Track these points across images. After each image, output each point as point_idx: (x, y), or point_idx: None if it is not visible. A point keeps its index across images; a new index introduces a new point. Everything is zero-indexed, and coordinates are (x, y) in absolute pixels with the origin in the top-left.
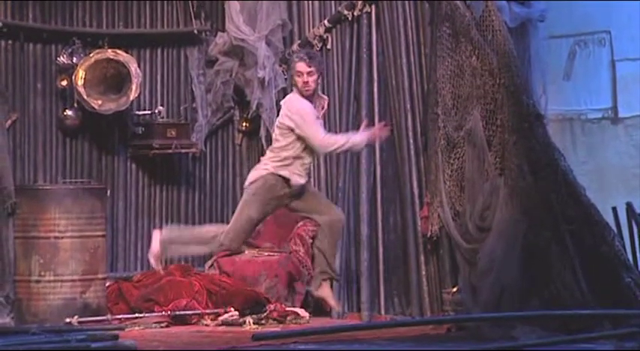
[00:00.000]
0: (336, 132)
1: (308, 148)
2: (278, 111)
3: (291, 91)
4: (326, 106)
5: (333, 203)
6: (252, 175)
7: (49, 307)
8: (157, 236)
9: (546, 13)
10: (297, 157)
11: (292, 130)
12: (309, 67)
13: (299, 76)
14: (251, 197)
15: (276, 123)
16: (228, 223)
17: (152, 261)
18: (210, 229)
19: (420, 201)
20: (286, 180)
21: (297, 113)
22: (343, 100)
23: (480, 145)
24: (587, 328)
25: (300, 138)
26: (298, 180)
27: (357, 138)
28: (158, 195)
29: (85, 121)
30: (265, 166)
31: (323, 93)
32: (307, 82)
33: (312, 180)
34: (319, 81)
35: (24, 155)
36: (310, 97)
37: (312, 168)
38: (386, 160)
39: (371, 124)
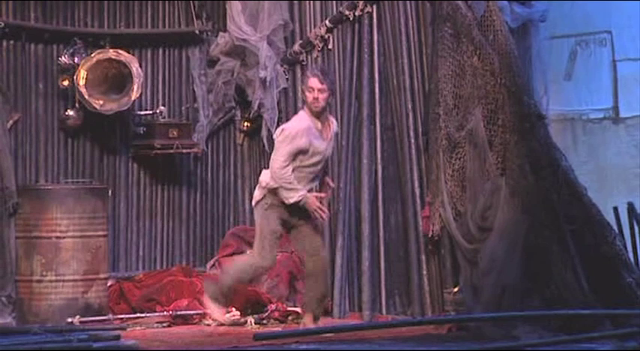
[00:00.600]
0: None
1: (308, 165)
2: (279, 111)
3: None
4: (333, 131)
5: (322, 245)
6: (258, 194)
7: (50, 307)
8: (207, 301)
9: (547, 13)
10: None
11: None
12: (322, 84)
13: (310, 91)
14: (264, 212)
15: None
16: (228, 223)
17: (219, 319)
18: (242, 261)
19: (421, 201)
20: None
21: (281, 128)
22: (344, 100)
23: (481, 145)
24: (588, 328)
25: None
26: (291, 199)
27: (307, 199)
28: (160, 195)
29: (86, 121)
30: (266, 182)
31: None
32: (317, 99)
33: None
34: (330, 100)
35: (26, 155)
36: (319, 114)
37: None
38: (387, 159)
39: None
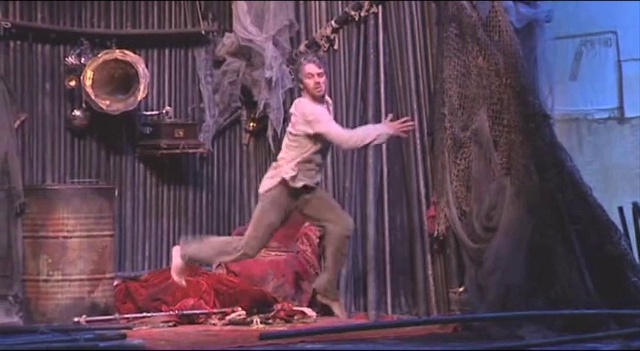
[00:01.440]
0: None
1: (319, 151)
2: (285, 111)
3: (299, 94)
4: (331, 110)
5: (343, 211)
6: (266, 183)
7: (57, 306)
8: (177, 252)
9: (552, 13)
10: (307, 161)
11: (308, 134)
12: (320, 68)
13: (310, 77)
14: (269, 204)
15: (289, 129)
16: (234, 222)
17: (175, 277)
18: (227, 241)
19: (426, 201)
20: (297, 184)
21: (313, 114)
22: (350, 100)
23: (486, 145)
24: (593, 328)
25: (313, 140)
26: (308, 182)
27: (382, 129)
28: (166, 195)
29: (93, 121)
30: (277, 172)
31: (330, 94)
32: (319, 83)
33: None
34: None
35: (32, 155)
36: (321, 99)
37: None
38: (393, 159)
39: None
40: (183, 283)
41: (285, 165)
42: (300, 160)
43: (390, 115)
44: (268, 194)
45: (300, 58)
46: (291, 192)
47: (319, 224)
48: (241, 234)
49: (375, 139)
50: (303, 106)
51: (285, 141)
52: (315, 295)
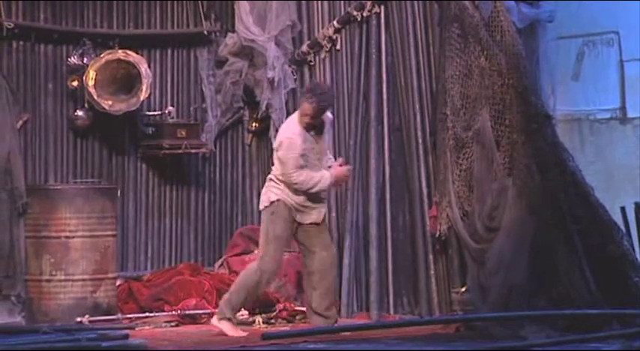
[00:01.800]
0: (346, 133)
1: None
2: (287, 111)
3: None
4: (329, 126)
5: (331, 244)
6: (265, 198)
7: (59, 306)
8: (215, 320)
9: (555, 13)
10: (293, 193)
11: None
12: (322, 113)
13: (305, 114)
14: (271, 217)
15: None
16: (236, 222)
17: (233, 334)
18: (246, 274)
19: (428, 201)
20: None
21: (278, 142)
22: (352, 100)
23: (488, 145)
24: (595, 328)
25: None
26: (301, 220)
27: (326, 180)
28: (168, 195)
29: (95, 121)
30: (274, 188)
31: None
32: (310, 124)
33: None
34: (327, 110)
35: (35, 155)
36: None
37: None
38: (395, 160)
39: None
40: (241, 333)
41: (284, 186)
42: (286, 182)
43: (340, 160)
44: (268, 209)
45: (307, 92)
46: (289, 205)
47: (306, 251)
48: (244, 234)
49: (324, 185)
50: (282, 130)
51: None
52: None
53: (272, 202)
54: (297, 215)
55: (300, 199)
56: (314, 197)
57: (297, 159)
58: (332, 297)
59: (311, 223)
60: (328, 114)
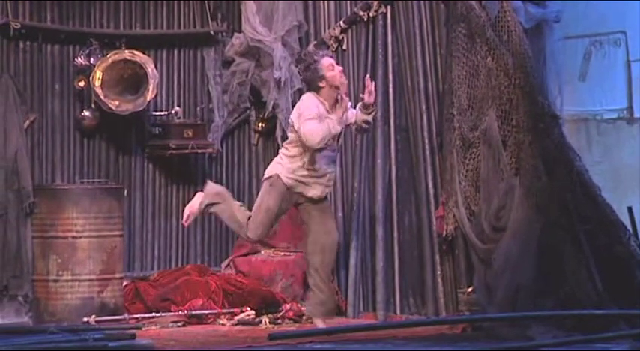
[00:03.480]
0: (352, 132)
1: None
2: None
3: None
4: (347, 107)
5: (334, 227)
6: (269, 170)
7: (66, 306)
8: (199, 195)
9: (561, 13)
10: (304, 165)
11: (295, 129)
12: (332, 57)
13: (332, 69)
14: (268, 188)
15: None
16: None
17: (186, 212)
18: (244, 215)
19: (435, 201)
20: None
21: (297, 109)
22: (358, 100)
23: (495, 145)
24: (602, 328)
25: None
26: (304, 192)
27: (333, 120)
28: (175, 195)
29: (102, 121)
30: (279, 163)
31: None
32: (342, 71)
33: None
34: None
35: (42, 155)
36: (338, 92)
37: None
38: (401, 160)
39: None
40: (185, 224)
41: (286, 162)
42: (299, 166)
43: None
44: (267, 181)
45: (310, 56)
46: (288, 184)
47: (308, 230)
48: None
49: (333, 129)
50: (302, 99)
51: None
52: None
53: (271, 176)
54: (299, 188)
55: (303, 172)
56: (316, 171)
57: (311, 113)
58: (329, 272)
59: (312, 199)
60: (346, 99)
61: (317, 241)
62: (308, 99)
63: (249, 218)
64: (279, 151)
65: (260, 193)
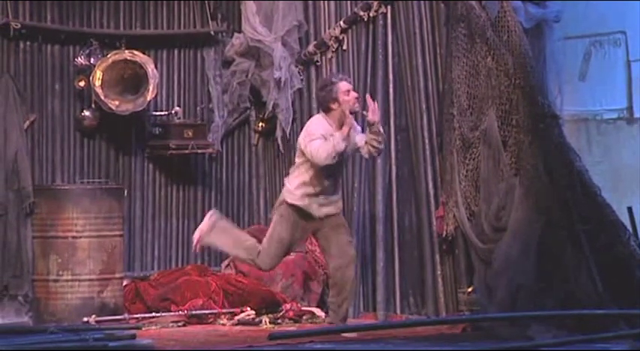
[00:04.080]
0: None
1: (321, 175)
2: (294, 111)
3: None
4: (357, 130)
5: (350, 245)
6: (280, 198)
7: (66, 306)
8: (209, 216)
9: (562, 13)
10: (311, 185)
11: (303, 152)
12: (351, 83)
13: (347, 94)
14: (279, 219)
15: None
16: (243, 222)
17: (196, 235)
18: (251, 241)
19: (435, 201)
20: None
21: (305, 130)
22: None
23: (495, 145)
24: (602, 328)
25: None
26: (314, 212)
27: (337, 136)
28: (175, 195)
29: (102, 121)
30: (285, 191)
31: None
32: (358, 98)
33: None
34: None
35: (42, 155)
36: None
37: None
38: (401, 160)
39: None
40: (197, 248)
41: (292, 186)
42: (303, 182)
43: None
44: (279, 209)
45: (329, 77)
46: (298, 211)
47: (324, 252)
48: (251, 234)
49: (336, 145)
50: (310, 122)
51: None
52: (323, 295)
53: (280, 205)
54: (308, 208)
55: (309, 190)
56: (326, 190)
57: (316, 134)
58: (346, 294)
59: (327, 216)
60: (355, 124)
61: (337, 269)
62: (315, 122)
63: (259, 252)
64: (285, 180)
65: (271, 225)
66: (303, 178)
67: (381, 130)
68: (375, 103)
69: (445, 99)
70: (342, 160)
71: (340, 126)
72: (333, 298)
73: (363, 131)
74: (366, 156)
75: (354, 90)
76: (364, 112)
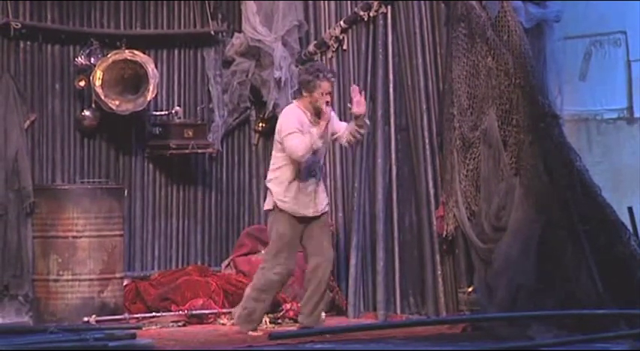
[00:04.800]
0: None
1: (300, 169)
2: None
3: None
4: (330, 116)
5: (329, 246)
6: (265, 204)
7: (67, 306)
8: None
9: (562, 13)
10: (292, 180)
11: (281, 144)
12: (332, 88)
13: (322, 96)
14: (272, 219)
15: (275, 137)
16: (243, 222)
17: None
18: (257, 278)
19: (435, 201)
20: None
21: (280, 123)
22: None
23: (495, 145)
24: (602, 328)
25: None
26: (302, 212)
27: (314, 132)
28: (175, 194)
29: (102, 121)
30: (270, 193)
31: (339, 94)
32: (329, 103)
33: (328, 182)
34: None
35: (42, 155)
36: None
37: (328, 168)
38: (402, 159)
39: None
40: (258, 333)
41: (275, 188)
42: (287, 181)
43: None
44: (270, 214)
45: (320, 66)
46: (285, 207)
47: (305, 251)
48: (251, 234)
49: (314, 141)
50: (283, 113)
51: (273, 152)
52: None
53: (269, 209)
54: (295, 209)
55: (291, 193)
56: (306, 187)
57: (291, 127)
58: (315, 303)
59: (312, 217)
60: (329, 110)
61: (314, 265)
62: (287, 114)
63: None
64: (266, 182)
65: (269, 226)
66: (285, 176)
67: (367, 122)
68: (362, 94)
69: (445, 99)
70: (322, 152)
71: (315, 113)
72: (304, 300)
73: (344, 120)
74: (345, 145)
75: (331, 93)
76: (349, 105)
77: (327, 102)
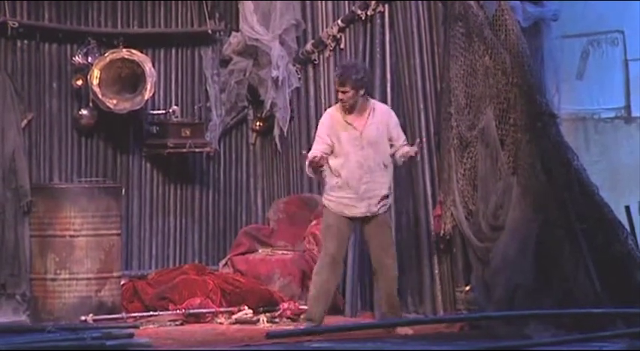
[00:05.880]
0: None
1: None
2: (291, 110)
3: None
4: (380, 114)
5: (390, 250)
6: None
7: (64, 305)
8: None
9: (559, 12)
10: (333, 181)
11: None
12: (342, 85)
13: (338, 93)
14: (324, 215)
15: None
16: (241, 221)
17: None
18: (315, 275)
19: (433, 200)
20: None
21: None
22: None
23: (492, 144)
24: (600, 327)
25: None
26: (347, 213)
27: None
28: (172, 193)
29: (100, 120)
30: (324, 193)
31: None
32: (342, 99)
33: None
34: (361, 93)
35: (40, 154)
36: (350, 111)
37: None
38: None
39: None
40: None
41: (326, 184)
42: (332, 181)
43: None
44: (324, 210)
45: (363, 65)
46: (333, 206)
47: (368, 250)
48: (248, 233)
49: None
50: (322, 118)
51: None
52: None
53: (322, 206)
54: (345, 210)
55: (339, 192)
56: (355, 189)
57: (319, 139)
58: (391, 299)
59: (362, 217)
60: (381, 104)
61: (377, 262)
62: (322, 119)
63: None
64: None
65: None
66: (331, 180)
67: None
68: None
69: (443, 98)
70: (368, 148)
71: (347, 111)
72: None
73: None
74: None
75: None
76: (410, 148)
77: (341, 98)
